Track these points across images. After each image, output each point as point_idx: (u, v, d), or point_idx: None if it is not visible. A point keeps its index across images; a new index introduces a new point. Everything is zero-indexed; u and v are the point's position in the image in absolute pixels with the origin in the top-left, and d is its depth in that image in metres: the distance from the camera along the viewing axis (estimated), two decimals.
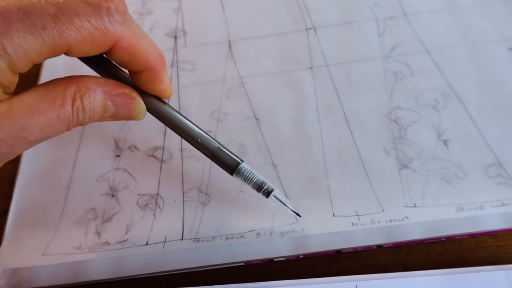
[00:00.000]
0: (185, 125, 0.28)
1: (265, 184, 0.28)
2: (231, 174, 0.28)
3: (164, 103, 0.28)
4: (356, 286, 0.27)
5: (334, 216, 0.31)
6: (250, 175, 0.28)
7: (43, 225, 0.33)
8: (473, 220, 0.30)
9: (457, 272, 0.27)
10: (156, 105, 0.27)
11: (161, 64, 0.25)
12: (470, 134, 0.34)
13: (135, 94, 0.26)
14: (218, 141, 0.29)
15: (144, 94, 0.26)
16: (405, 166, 0.33)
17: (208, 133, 0.29)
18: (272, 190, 0.28)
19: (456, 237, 0.31)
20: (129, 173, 0.35)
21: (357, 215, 0.31)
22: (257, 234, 0.30)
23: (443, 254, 0.30)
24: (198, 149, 0.28)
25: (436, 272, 0.27)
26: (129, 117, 0.26)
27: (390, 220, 0.30)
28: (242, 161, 0.29)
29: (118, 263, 0.30)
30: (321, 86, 0.38)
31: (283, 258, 0.31)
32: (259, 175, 0.29)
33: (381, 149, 0.34)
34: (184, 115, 0.28)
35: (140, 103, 0.26)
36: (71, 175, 0.36)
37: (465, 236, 0.31)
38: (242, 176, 0.28)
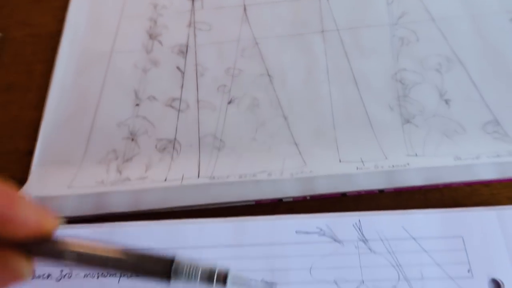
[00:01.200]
0: (88, 255, 0.21)
1: (215, 269, 0.21)
2: (168, 280, 0.21)
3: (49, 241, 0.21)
4: (359, 220, 0.30)
5: (340, 161, 0.34)
6: (190, 268, 0.21)
7: (67, 164, 0.35)
8: (469, 169, 0.32)
9: (453, 211, 0.30)
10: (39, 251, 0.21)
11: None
12: (470, 95, 0.36)
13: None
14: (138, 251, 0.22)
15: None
16: (408, 121, 0.36)
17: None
18: (227, 273, 0.21)
19: (453, 185, 0.33)
20: (148, 120, 0.38)
21: (362, 161, 0.33)
22: (268, 174, 0.32)
23: (440, 200, 0.33)
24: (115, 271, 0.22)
25: (434, 210, 0.30)
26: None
27: (393, 166, 0.32)
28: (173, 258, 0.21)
29: (138, 196, 0.33)
30: (331, 48, 0.40)
31: (291, 199, 0.33)
32: (203, 263, 0.21)
33: (386, 106, 0.37)
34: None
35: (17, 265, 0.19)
36: (93, 120, 0.38)
37: (462, 185, 0.33)
38: (183, 274, 0.21)
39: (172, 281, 0.21)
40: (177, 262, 0.21)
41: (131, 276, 0.22)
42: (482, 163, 0.32)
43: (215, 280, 0.21)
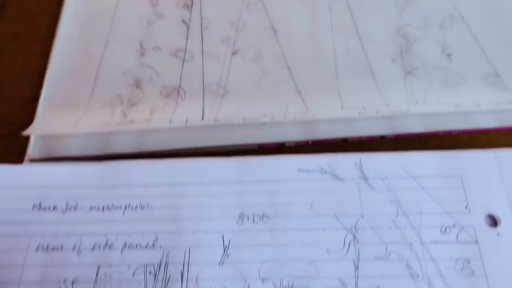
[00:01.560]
0: None
1: None
2: None
3: None
4: (360, 160, 0.30)
5: (342, 108, 0.34)
6: None
7: (72, 108, 0.36)
8: (469, 117, 0.33)
9: (452, 152, 0.30)
10: None
11: None
12: (472, 50, 0.37)
13: None
14: None
15: None
16: (410, 73, 0.36)
17: None
18: None
19: (453, 133, 0.33)
20: (153, 69, 0.38)
21: (364, 108, 0.34)
22: (271, 117, 0.33)
23: (439, 147, 0.33)
24: None
25: (433, 152, 0.30)
26: None
27: (394, 111, 0.33)
28: None
29: (143, 137, 0.33)
30: (335, 4, 0.41)
31: (293, 144, 0.34)
32: None
33: (388, 58, 0.37)
34: None
35: None
36: (98, 69, 0.38)
37: (461, 133, 0.33)
38: None
39: None
40: None
41: None
42: (481, 111, 0.33)
43: None
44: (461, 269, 0.27)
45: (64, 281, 0.28)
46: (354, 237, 0.28)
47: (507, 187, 0.29)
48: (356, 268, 0.27)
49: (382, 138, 0.33)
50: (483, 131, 0.33)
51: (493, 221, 0.28)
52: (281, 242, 0.28)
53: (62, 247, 0.29)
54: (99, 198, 0.31)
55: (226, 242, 0.28)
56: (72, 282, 0.28)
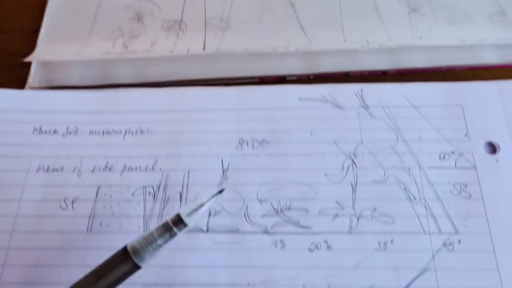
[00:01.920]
0: None
1: (166, 221, 0.21)
2: (136, 264, 0.21)
3: None
4: (362, 89, 0.30)
5: (345, 41, 0.34)
6: (145, 239, 0.21)
7: (73, 39, 0.35)
8: (473, 52, 0.33)
9: (454, 84, 0.30)
10: None
11: None
12: None
13: None
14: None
15: None
16: (415, 10, 0.35)
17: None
18: (178, 214, 0.21)
19: (456, 69, 0.33)
20: (154, 3, 0.37)
21: (367, 41, 0.33)
22: (273, 48, 0.33)
23: (442, 82, 0.33)
24: None
25: (436, 83, 0.30)
26: None
27: (397, 44, 0.32)
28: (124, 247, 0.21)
29: (144, 67, 0.33)
30: None
31: (294, 78, 0.33)
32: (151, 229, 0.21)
33: None
34: None
35: None
36: (99, 1, 0.38)
37: (464, 69, 0.33)
38: (143, 249, 0.21)
39: (140, 262, 0.21)
40: (130, 245, 0.21)
41: None
42: (486, 45, 0.32)
43: (173, 227, 0.21)
44: (458, 193, 0.27)
45: (64, 200, 0.28)
46: (353, 162, 0.28)
47: (508, 116, 0.29)
48: (354, 191, 0.27)
49: (384, 73, 0.33)
50: (487, 67, 0.33)
51: (492, 148, 0.28)
52: (280, 166, 0.28)
53: (62, 168, 0.29)
54: (99, 123, 0.31)
55: (225, 166, 0.29)
56: (72, 201, 0.28)
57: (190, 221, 0.21)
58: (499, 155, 0.27)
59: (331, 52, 0.33)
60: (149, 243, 0.21)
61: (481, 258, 0.25)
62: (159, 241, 0.21)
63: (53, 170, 0.29)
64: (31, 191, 0.28)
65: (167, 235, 0.21)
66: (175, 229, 0.21)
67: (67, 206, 0.28)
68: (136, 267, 0.21)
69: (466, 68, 0.33)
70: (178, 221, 0.21)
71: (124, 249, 0.21)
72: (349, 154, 0.28)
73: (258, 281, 0.25)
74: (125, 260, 0.21)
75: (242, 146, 0.29)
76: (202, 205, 0.21)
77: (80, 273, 0.25)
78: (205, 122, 0.30)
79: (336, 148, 0.28)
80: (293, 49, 0.32)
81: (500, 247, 0.25)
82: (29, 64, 0.34)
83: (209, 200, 0.22)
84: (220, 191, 0.22)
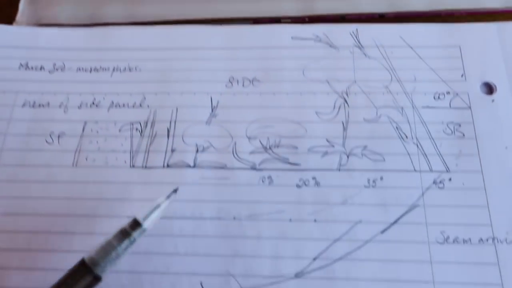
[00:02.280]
0: None
1: (123, 227, 0.21)
2: (96, 276, 0.21)
3: None
4: (357, 29, 0.29)
5: None
6: (103, 248, 0.21)
7: None
8: None
9: (453, 24, 0.29)
10: None
11: None
12: None
13: None
14: None
15: None
16: None
17: None
18: (133, 219, 0.21)
19: (456, 14, 0.32)
20: None
21: None
22: None
23: None
24: None
25: (434, 24, 0.29)
26: None
27: None
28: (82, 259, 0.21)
29: (134, 7, 0.32)
30: None
31: (289, 20, 0.32)
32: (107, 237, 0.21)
33: None
34: None
35: None
36: None
37: (464, 14, 0.32)
38: (101, 258, 0.21)
39: (100, 273, 0.20)
40: (88, 257, 0.20)
41: None
42: None
43: (130, 232, 0.21)
44: (452, 132, 0.26)
45: (50, 135, 0.28)
46: (345, 101, 0.27)
47: (506, 57, 0.28)
48: (345, 129, 0.27)
49: (382, 16, 0.32)
50: (488, 12, 0.32)
51: (489, 89, 0.27)
52: (270, 104, 0.28)
53: (48, 104, 0.29)
54: (86, 60, 0.30)
55: (215, 103, 0.28)
56: (58, 136, 0.28)
57: (147, 223, 0.21)
58: (495, 95, 0.27)
59: None
60: (108, 252, 0.20)
61: (472, 195, 0.24)
62: (118, 249, 0.20)
63: (39, 105, 0.29)
64: (16, 126, 0.28)
65: (126, 242, 0.20)
66: (133, 234, 0.21)
67: (53, 140, 0.27)
68: (97, 279, 0.20)
69: (467, 12, 0.32)
70: (135, 225, 0.21)
71: (82, 262, 0.20)
72: (342, 93, 0.28)
73: (244, 215, 0.25)
74: (85, 274, 0.20)
75: (232, 84, 0.28)
76: (158, 206, 0.22)
77: (65, 204, 0.25)
78: (195, 60, 0.29)
79: (328, 87, 0.28)
80: None
81: (491, 185, 0.25)
82: (17, 3, 0.33)
83: (164, 201, 0.22)
84: (175, 190, 0.23)
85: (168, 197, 0.22)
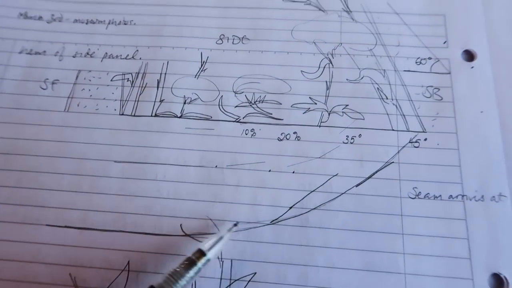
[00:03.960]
0: None
1: (190, 258, 0.22)
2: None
3: None
4: None
5: None
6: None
7: None
8: None
9: None
10: None
11: None
12: None
13: None
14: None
15: None
16: None
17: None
18: (200, 252, 0.22)
19: None
20: None
21: None
22: None
23: None
24: None
25: None
26: None
27: None
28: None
29: None
30: None
31: None
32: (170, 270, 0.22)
33: None
34: None
35: None
36: None
37: None
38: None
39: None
40: (157, 285, 0.21)
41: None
42: None
43: (196, 261, 0.22)
44: (430, 95, 0.27)
45: (45, 81, 0.29)
46: (330, 61, 0.28)
47: (489, 26, 0.28)
48: (328, 88, 0.28)
49: None
50: None
51: (470, 56, 0.28)
52: (258, 62, 0.29)
53: (45, 52, 0.30)
54: (84, 12, 0.31)
55: (204, 58, 0.29)
56: (52, 83, 0.29)
57: (211, 254, 0.22)
58: (475, 62, 0.28)
59: None
60: (176, 279, 0.21)
61: (445, 155, 0.25)
62: (186, 277, 0.21)
63: (36, 53, 0.30)
64: (13, 71, 0.29)
65: (192, 270, 0.22)
66: (198, 264, 0.22)
67: (47, 86, 0.28)
68: None
69: None
70: (200, 255, 0.22)
71: None
72: (327, 54, 0.28)
73: (225, 164, 0.26)
74: None
75: (222, 41, 0.29)
76: (221, 238, 0.23)
77: (56, 147, 0.26)
78: (188, 17, 0.30)
79: (315, 48, 0.29)
80: None
81: (464, 146, 0.26)
82: None
83: (226, 233, 0.23)
84: (235, 224, 0.24)
85: (230, 230, 0.24)
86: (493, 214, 0.24)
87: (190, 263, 0.22)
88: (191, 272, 0.22)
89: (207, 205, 0.25)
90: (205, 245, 0.23)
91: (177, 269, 0.22)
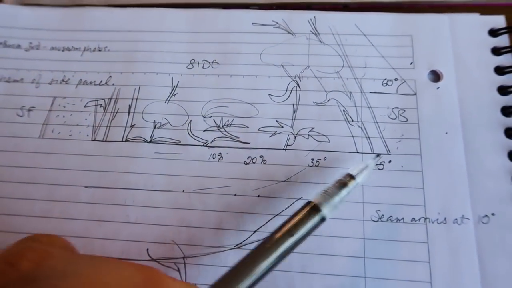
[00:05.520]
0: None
1: (341, 179, 0.24)
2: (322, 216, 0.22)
3: None
4: (315, 16, 0.30)
5: None
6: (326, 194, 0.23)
7: None
8: None
9: (407, 14, 0.30)
10: None
11: None
12: None
13: None
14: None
15: None
16: None
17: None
18: (350, 176, 0.24)
19: (418, 6, 0.33)
20: None
21: None
22: None
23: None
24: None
25: (388, 13, 0.30)
26: None
27: None
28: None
29: None
30: None
31: (257, 8, 0.34)
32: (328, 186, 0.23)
33: None
34: None
35: None
36: None
37: (426, 6, 0.33)
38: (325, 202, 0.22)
39: (325, 214, 0.22)
40: (315, 200, 0.22)
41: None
42: None
43: (347, 183, 0.23)
44: (396, 117, 0.27)
45: (21, 108, 0.30)
46: (297, 84, 0.29)
47: (456, 47, 0.29)
48: (295, 111, 0.28)
49: (346, 6, 0.33)
50: (449, 5, 0.33)
51: (436, 77, 0.28)
52: (227, 86, 0.29)
53: (22, 79, 0.31)
54: (60, 40, 0.32)
55: (175, 83, 0.29)
56: (29, 109, 0.29)
57: (359, 178, 0.24)
58: (441, 83, 0.28)
59: None
60: (331, 198, 0.22)
61: (409, 177, 0.26)
62: (339, 195, 0.23)
63: (14, 80, 0.31)
64: None
65: (344, 191, 0.23)
66: (349, 185, 0.23)
67: (23, 113, 0.29)
68: (323, 220, 0.22)
69: (428, 5, 0.33)
70: (350, 179, 0.23)
71: (311, 204, 0.22)
72: (295, 77, 0.29)
73: (192, 189, 0.26)
74: (314, 214, 0.22)
75: (192, 66, 0.30)
76: (367, 166, 0.24)
77: (29, 173, 0.27)
78: (159, 43, 0.31)
79: (283, 71, 0.29)
80: None
81: (428, 168, 0.26)
82: None
83: (372, 161, 0.25)
84: (378, 155, 0.26)
85: (374, 159, 0.25)
86: (455, 237, 0.24)
87: (343, 184, 0.23)
88: (344, 192, 0.23)
89: (174, 230, 0.26)
90: (353, 171, 0.24)
91: (330, 189, 0.23)
